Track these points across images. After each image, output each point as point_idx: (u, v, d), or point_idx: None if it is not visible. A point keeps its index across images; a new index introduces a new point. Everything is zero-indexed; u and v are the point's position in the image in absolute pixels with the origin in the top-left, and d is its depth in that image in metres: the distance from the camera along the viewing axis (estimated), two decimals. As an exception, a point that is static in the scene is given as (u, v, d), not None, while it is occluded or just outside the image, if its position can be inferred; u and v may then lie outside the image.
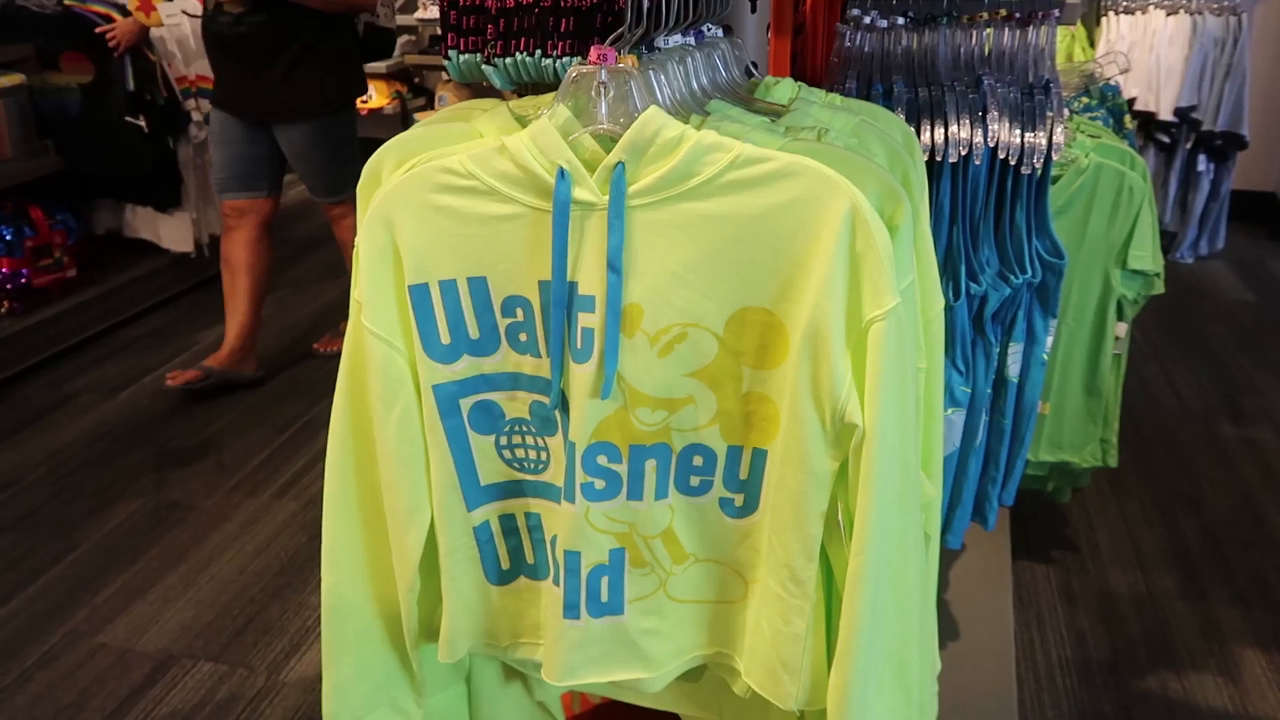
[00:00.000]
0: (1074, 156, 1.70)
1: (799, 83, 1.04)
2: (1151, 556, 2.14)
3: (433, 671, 1.00)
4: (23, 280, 3.15)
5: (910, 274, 0.81)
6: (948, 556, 1.86)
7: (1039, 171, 1.27)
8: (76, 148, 3.19)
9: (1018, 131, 1.20)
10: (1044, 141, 1.19)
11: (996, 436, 1.41)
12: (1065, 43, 3.96)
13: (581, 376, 0.79)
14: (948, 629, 1.70)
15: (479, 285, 0.82)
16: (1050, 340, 1.39)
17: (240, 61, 2.74)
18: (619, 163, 0.75)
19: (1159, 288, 1.87)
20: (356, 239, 0.83)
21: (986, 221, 1.30)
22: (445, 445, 0.86)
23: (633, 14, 0.80)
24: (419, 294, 0.82)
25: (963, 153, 1.21)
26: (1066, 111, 1.91)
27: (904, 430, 0.77)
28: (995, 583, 1.82)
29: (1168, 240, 3.99)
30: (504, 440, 0.88)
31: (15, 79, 3.03)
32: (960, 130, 1.21)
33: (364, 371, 0.85)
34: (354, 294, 0.84)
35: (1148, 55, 3.71)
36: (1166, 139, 3.79)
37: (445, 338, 0.83)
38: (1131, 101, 3.78)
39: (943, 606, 1.74)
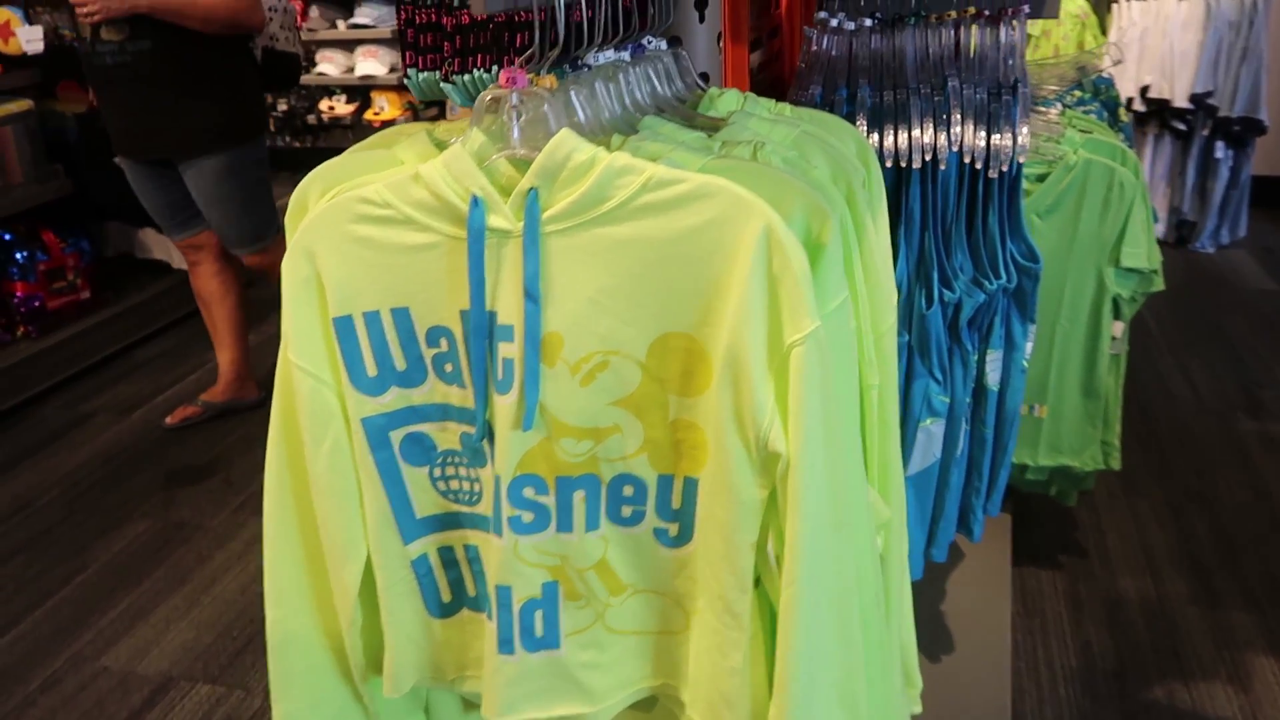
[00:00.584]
0: (1061, 153, 1.65)
1: (746, 93, 1.01)
2: (1162, 559, 2.08)
3: (389, 703, 0.98)
4: (36, 304, 3.20)
5: (841, 293, 0.78)
6: (946, 564, 1.82)
7: (1012, 174, 1.23)
8: (79, 173, 3.24)
9: (983, 134, 1.16)
10: (1009, 143, 1.16)
11: (978, 446, 1.38)
12: (1076, 30, 3.88)
13: (504, 408, 0.78)
14: (942, 640, 1.66)
15: (402, 316, 0.81)
16: (1030, 346, 1.35)
17: (126, 96, 2.52)
18: (532, 188, 0.73)
19: (1158, 285, 1.82)
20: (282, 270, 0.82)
21: (958, 227, 1.26)
22: (377, 478, 0.84)
23: (542, 33, 0.78)
24: (343, 326, 0.81)
25: (927, 158, 1.18)
26: (1060, 105, 1.87)
27: (833, 456, 0.74)
28: (994, 591, 1.78)
29: (1187, 229, 3.90)
30: (438, 472, 0.86)
31: (23, 105, 3.08)
32: (923, 135, 1.17)
33: (294, 405, 0.84)
34: (283, 327, 0.83)
35: (1161, 41, 3.63)
36: (1183, 126, 3.70)
37: (371, 370, 0.82)
38: (1145, 89, 3.70)
39: (938, 617, 1.70)
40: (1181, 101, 3.64)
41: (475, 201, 0.74)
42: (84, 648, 2.06)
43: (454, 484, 0.86)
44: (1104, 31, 3.88)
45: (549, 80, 0.78)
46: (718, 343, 0.73)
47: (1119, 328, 1.76)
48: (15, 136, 3.06)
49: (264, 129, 2.75)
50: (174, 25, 2.41)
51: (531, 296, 0.75)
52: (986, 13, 1.29)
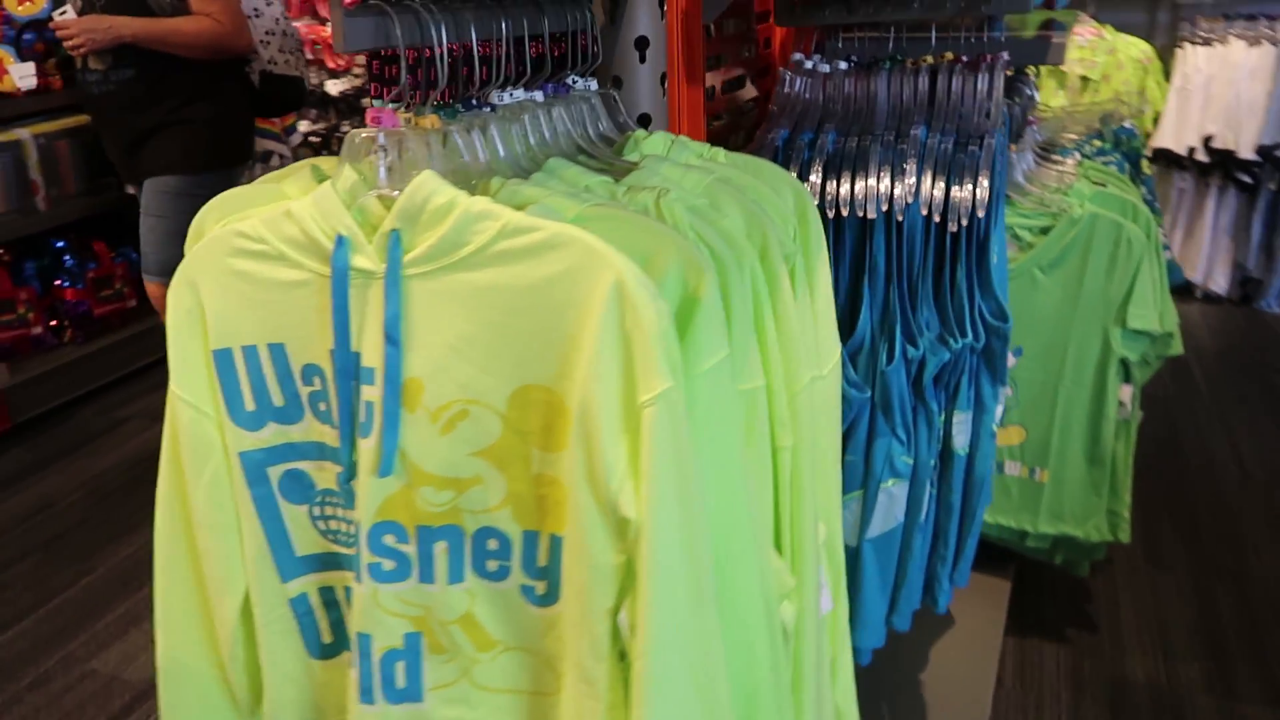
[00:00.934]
0: (1066, 206, 1.58)
1: (677, 136, 0.98)
2: (1179, 640, 1.95)
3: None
4: (83, 309, 3.32)
5: (720, 351, 0.74)
6: (931, 629, 1.74)
7: (981, 228, 1.17)
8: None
9: (942, 185, 1.11)
10: (969, 196, 1.10)
11: (945, 512, 1.31)
12: (1138, 76, 3.76)
13: (365, 452, 0.76)
14: (915, 711, 1.57)
15: (279, 352, 0.79)
16: (1000, 409, 1.28)
17: (114, 123, 2.51)
18: (394, 230, 0.72)
19: (1176, 348, 1.72)
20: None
21: (925, 281, 1.20)
22: (254, 514, 0.83)
23: (409, 73, 0.77)
24: (223, 359, 0.80)
25: (884, 208, 1.13)
26: (1077, 155, 1.79)
27: (692, 525, 0.70)
28: (979, 662, 1.68)
29: (1252, 287, 3.71)
30: (317, 511, 0.84)
31: (81, 119, 3.22)
32: (879, 184, 1.12)
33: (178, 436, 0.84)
34: (168, 357, 0.83)
35: (1227, 89, 3.47)
36: (1248, 179, 3.53)
37: (250, 404, 0.81)
38: (1209, 138, 3.55)
39: (914, 685, 1.62)
40: (1247, 153, 3.47)
41: (340, 241, 0.73)
42: (77, 649, 2.10)
43: (333, 524, 0.85)
44: (1167, 77, 3.74)
45: (430, 120, 0.77)
46: (575, 397, 0.70)
47: (1127, 392, 1.66)
48: (70, 149, 3.19)
49: (240, 162, 2.64)
50: (159, 53, 2.39)
51: (392, 340, 0.73)
52: (965, 59, 1.24)
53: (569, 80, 0.96)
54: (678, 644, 0.71)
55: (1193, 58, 3.56)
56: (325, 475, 0.83)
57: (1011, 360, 1.69)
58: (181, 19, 2.40)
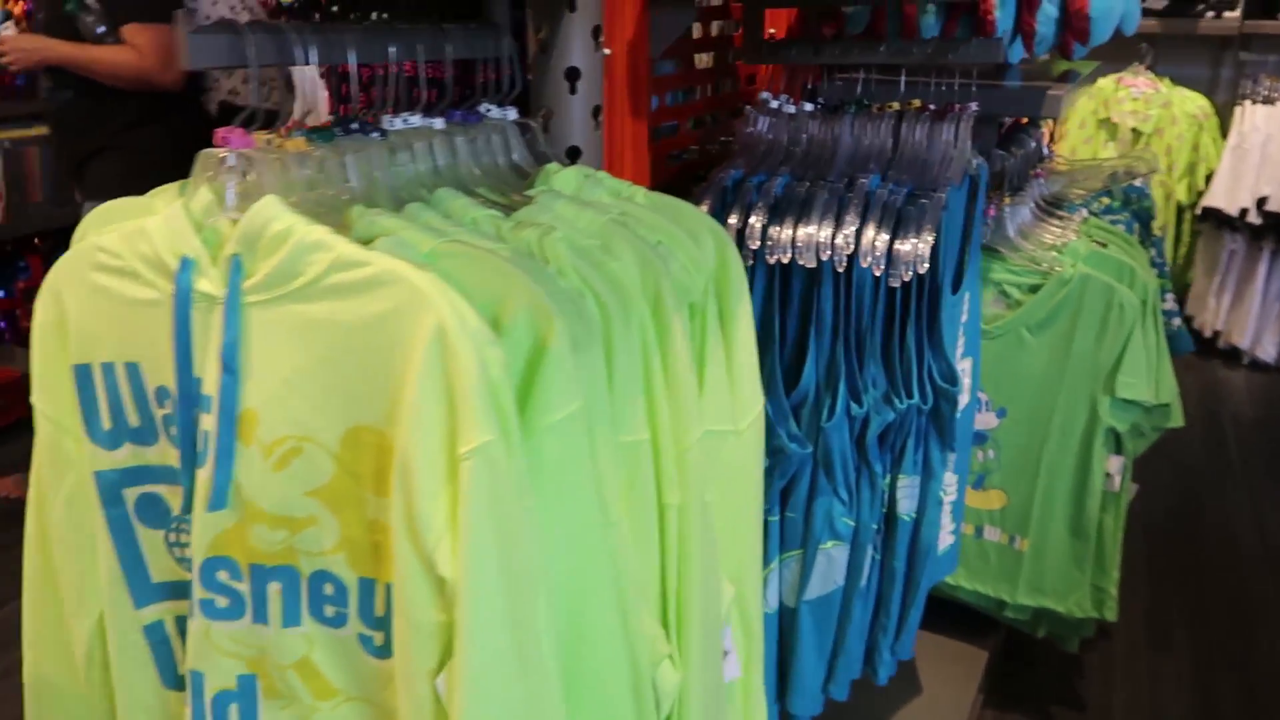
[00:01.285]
0: (1057, 265, 1.50)
1: (594, 172, 0.94)
2: (1170, 731, 1.83)
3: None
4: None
5: (571, 403, 0.69)
6: (895, 696, 1.65)
7: (933, 284, 1.11)
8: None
9: (885, 237, 1.05)
10: (911, 250, 1.04)
11: (888, 579, 1.23)
12: (1192, 132, 3.62)
13: (200, 482, 0.73)
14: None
15: (134, 371, 0.77)
16: (950, 476, 1.21)
17: (57, 142, 2.49)
18: (234, 255, 0.69)
19: (1176, 420, 1.62)
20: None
21: (873, 336, 1.14)
22: (108, 536, 0.81)
23: (257, 91, 0.74)
24: (82, 374, 0.78)
25: (823, 257, 1.08)
26: (1084, 212, 1.71)
27: (514, 587, 0.65)
28: (940, 740, 1.59)
29: (1303, 357, 3.52)
30: (172, 537, 0.82)
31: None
32: (819, 232, 1.07)
33: (41, 449, 0.82)
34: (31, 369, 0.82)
35: (1284, 150, 3.32)
36: (1303, 244, 3.37)
37: (107, 423, 0.79)
38: (1263, 201, 3.39)
39: (865, 759, 1.53)
40: (1304, 217, 3.31)
41: (184, 263, 0.70)
42: (49, 643, 2.11)
43: (187, 551, 0.82)
44: (1225, 134, 3.59)
45: (296, 143, 0.74)
46: (400, 443, 0.66)
47: (1116, 464, 1.57)
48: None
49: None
50: (90, 79, 2.31)
51: (228, 368, 0.70)
52: (932, 107, 1.18)
53: (481, 108, 0.93)
54: (495, 714, 0.66)
55: (1251, 116, 3.41)
56: (179, 500, 0.80)
57: (995, 421, 1.62)
58: (106, 48, 2.30)
